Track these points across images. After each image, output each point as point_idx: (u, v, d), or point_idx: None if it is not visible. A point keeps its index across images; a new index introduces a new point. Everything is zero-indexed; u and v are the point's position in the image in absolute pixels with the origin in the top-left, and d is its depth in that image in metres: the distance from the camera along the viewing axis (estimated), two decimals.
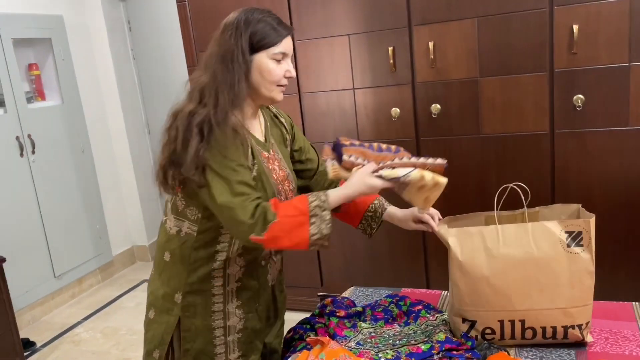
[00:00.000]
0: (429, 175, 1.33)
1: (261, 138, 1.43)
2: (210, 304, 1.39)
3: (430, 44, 2.39)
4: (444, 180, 1.36)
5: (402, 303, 1.72)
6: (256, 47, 1.30)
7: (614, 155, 2.23)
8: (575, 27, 2.16)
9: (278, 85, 1.36)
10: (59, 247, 3.50)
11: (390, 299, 1.77)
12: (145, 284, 3.81)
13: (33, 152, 3.32)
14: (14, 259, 3.11)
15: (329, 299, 1.74)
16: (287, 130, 1.55)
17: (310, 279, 2.94)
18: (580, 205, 1.47)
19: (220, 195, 1.24)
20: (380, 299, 1.79)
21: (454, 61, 2.40)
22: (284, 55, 1.34)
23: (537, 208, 1.51)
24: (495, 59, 2.33)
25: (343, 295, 1.91)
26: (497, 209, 1.45)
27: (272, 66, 1.32)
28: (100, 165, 3.89)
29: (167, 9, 3.74)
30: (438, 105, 2.45)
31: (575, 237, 1.36)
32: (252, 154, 1.35)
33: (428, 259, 2.67)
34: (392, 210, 1.58)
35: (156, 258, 1.47)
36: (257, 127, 1.43)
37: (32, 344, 3.06)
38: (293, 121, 1.61)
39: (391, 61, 2.48)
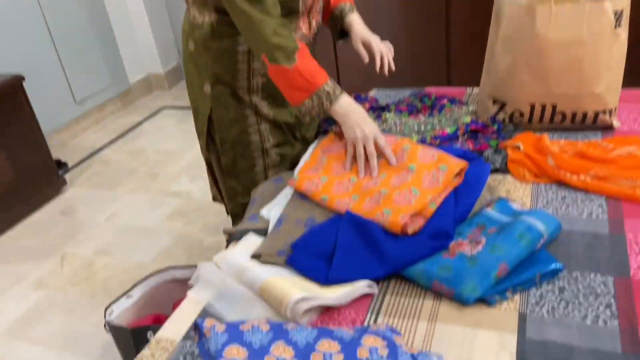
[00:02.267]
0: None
1: None
2: (237, 95, 1.38)
3: None
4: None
5: (426, 98, 1.71)
6: None
7: None
8: None
9: None
10: (76, 72, 3.48)
11: (414, 97, 1.75)
12: (165, 111, 3.85)
13: None
14: (31, 81, 3.10)
15: (352, 95, 1.72)
16: None
17: None
18: None
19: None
20: (404, 97, 1.78)
21: None
22: None
23: None
24: None
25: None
26: None
27: None
28: None
29: None
30: None
31: (619, 17, 1.29)
32: None
33: (451, 57, 2.58)
34: (354, 19, 1.48)
35: (183, 47, 1.44)
36: None
37: (64, 164, 3.19)
38: None
39: None
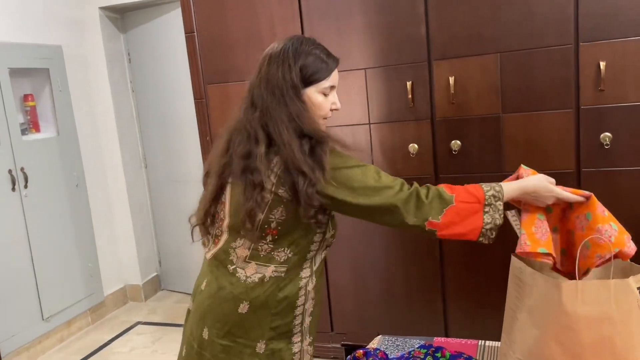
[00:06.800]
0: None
1: None
2: (291, 346, 1.31)
3: (451, 79, 2.32)
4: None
5: (439, 355, 1.59)
6: (307, 81, 1.29)
7: None
8: (602, 64, 2.11)
9: (324, 118, 1.36)
10: (49, 288, 3.30)
11: (425, 350, 1.63)
12: (139, 327, 3.59)
13: (25, 187, 3.16)
14: (1, 301, 2.91)
15: (360, 350, 1.60)
16: None
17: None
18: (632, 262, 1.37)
19: (372, 179, 1.23)
20: (414, 350, 1.66)
21: (475, 97, 2.33)
22: (332, 88, 1.34)
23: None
24: (518, 95, 2.26)
25: (371, 345, 1.77)
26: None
27: (321, 99, 1.32)
28: (94, 200, 3.72)
29: (169, 42, 3.65)
30: (458, 142, 2.37)
31: None
32: None
33: (447, 303, 2.53)
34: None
35: (218, 315, 1.31)
36: None
37: None
38: None
39: (409, 96, 2.41)
